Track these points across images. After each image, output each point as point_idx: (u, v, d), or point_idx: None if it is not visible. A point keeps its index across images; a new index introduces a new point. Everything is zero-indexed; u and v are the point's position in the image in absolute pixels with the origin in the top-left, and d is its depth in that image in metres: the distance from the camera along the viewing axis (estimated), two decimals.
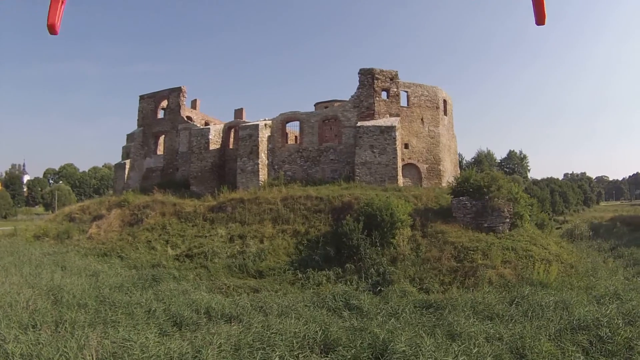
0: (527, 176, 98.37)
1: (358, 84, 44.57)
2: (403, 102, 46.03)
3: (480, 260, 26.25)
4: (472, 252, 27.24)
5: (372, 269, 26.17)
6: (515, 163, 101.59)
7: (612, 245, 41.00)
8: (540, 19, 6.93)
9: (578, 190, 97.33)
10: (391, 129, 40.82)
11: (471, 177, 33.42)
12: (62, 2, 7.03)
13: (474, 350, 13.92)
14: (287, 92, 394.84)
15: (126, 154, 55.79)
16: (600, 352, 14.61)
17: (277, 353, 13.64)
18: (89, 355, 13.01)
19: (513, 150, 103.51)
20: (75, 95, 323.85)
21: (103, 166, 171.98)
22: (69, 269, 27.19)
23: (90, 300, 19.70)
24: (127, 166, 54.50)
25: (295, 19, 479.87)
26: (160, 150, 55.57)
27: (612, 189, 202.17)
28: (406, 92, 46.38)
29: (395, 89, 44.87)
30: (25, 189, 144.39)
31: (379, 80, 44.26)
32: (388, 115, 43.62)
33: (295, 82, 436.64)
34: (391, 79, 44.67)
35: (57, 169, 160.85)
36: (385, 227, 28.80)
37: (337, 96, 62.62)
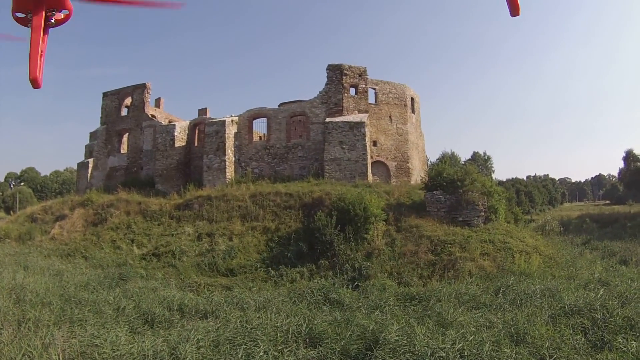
0: (491, 177, 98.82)
1: (326, 79, 44.03)
2: (371, 99, 45.65)
3: (458, 253, 26.20)
4: (449, 246, 27.13)
5: (347, 264, 25.79)
6: (479, 164, 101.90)
7: (585, 239, 41.33)
8: (514, 10, 6.98)
9: (543, 190, 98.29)
10: (360, 124, 40.30)
11: (444, 171, 33.13)
12: (42, 55, 7.01)
13: (470, 338, 13.46)
14: (250, 93, 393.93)
15: (89, 152, 54.10)
16: (602, 332, 14.53)
17: (262, 347, 13.03)
18: (55, 355, 12.27)
19: (477, 152, 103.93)
20: (30, 99, 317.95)
21: (65, 170, 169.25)
22: (32, 269, 25.83)
23: (54, 298, 18.65)
24: (90, 165, 52.69)
25: (256, 20, 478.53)
26: (124, 148, 54.06)
27: (575, 190, 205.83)
28: (374, 89, 46.11)
29: (363, 85, 44.41)
30: None
31: (348, 77, 43.75)
32: (357, 112, 43.08)
33: (258, 83, 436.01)
34: (360, 75, 44.19)
35: (18, 173, 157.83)
36: (359, 221, 28.30)
37: (301, 96, 61.81)
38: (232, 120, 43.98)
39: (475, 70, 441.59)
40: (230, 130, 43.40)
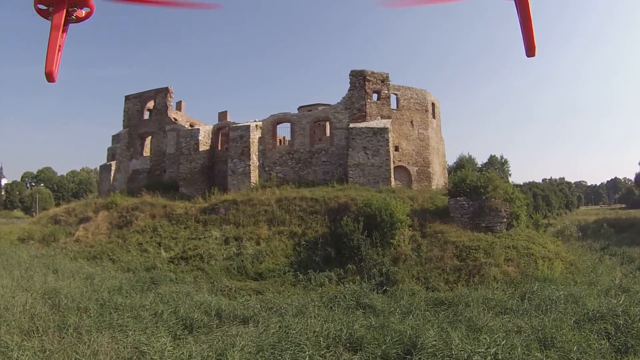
0: (508, 180, 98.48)
1: (349, 85, 44.53)
2: (392, 104, 46.12)
3: (483, 259, 26.65)
4: (474, 251, 27.58)
5: (375, 269, 26.25)
6: (496, 167, 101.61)
7: (603, 245, 41.72)
8: (530, 51, 7.25)
9: (560, 194, 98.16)
10: (384, 130, 40.80)
11: (467, 177, 33.50)
12: (60, 50, 7.19)
13: (502, 342, 14.02)
14: (266, 94, 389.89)
15: (111, 155, 54.61)
16: (625, 337, 15.10)
17: (307, 352, 13.39)
18: None
19: (494, 155, 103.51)
20: (41, 99, 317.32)
21: (81, 170, 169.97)
22: (61, 272, 26.23)
23: (90, 303, 18.85)
24: (113, 168, 53.35)
25: (268, 21, 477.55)
26: (146, 151, 54.68)
27: (590, 194, 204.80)
28: (396, 94, 46.51)
29: (386, 91, 44.87)
30: (3, 193, 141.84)
31: (370, 82, 44.21)
32: (379, 117, 43.52)
33: (274, 83, 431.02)
34: (382, 81, 44.65)
35: (35, 173, 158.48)
36: (385, 227, 28.79)
37: (319, 97, 62.29)
38: (256, 125, 44.48)
39: (485, 73, 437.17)
40: (255, 135, 43.90)
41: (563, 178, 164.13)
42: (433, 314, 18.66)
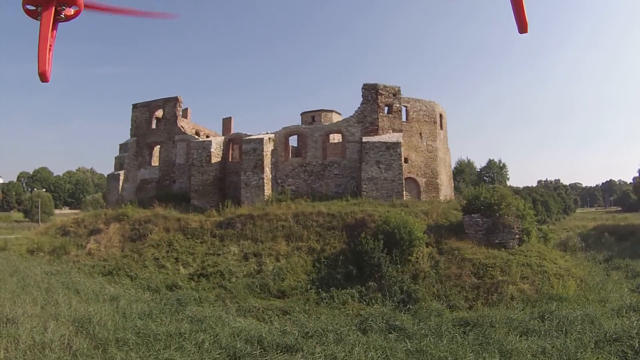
0: (506, 185, 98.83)
1: (362, 99, 45.06)
2: (402, 116, 46.52)
3: (500, 277, 27.19)
4: (490, 269, 28.10)
5: (395, 286, 26.69)
6: (494, 172, 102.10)
7: (606, 256, 42.11)
8: (522, 27, 7.40)
9: (558, 198, 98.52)
10: (397, 144, 41.35)
11: (482, 194, 34.00)
12: (50, 50, 7.30)
13: None
14: (270, 96, 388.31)
15: (119, 164, 54.52)
16: None
17: None
18: None
19: (492, 159, 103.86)
20: (37, 97, 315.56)
21: (77, 170, 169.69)
22: (83, 293, 25.48)
23: (126, 333, 18.32)
24: (121, 177, 53.36)
25: (262, 21, 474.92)
26: (154, 161, 54.77)
27: (586, 196, 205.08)
28: (405, 107, 47.02)
29: (398, 105, 45.43)
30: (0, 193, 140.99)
31: (383, 96, 44.76)
32: (391, 131, 44.16)
33: (277, 84, 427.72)
34: (394, 95, 45.22)
35: (30, 173, 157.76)
36: (404, 245, 29.28)
37: (324, 105, 62.36)
38: (269, 138, 44.95)
39: (481, 75, 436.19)
40: (268, 148, 44.35)
41: (558, 180, 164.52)
42: (462, 336, 19.17)
